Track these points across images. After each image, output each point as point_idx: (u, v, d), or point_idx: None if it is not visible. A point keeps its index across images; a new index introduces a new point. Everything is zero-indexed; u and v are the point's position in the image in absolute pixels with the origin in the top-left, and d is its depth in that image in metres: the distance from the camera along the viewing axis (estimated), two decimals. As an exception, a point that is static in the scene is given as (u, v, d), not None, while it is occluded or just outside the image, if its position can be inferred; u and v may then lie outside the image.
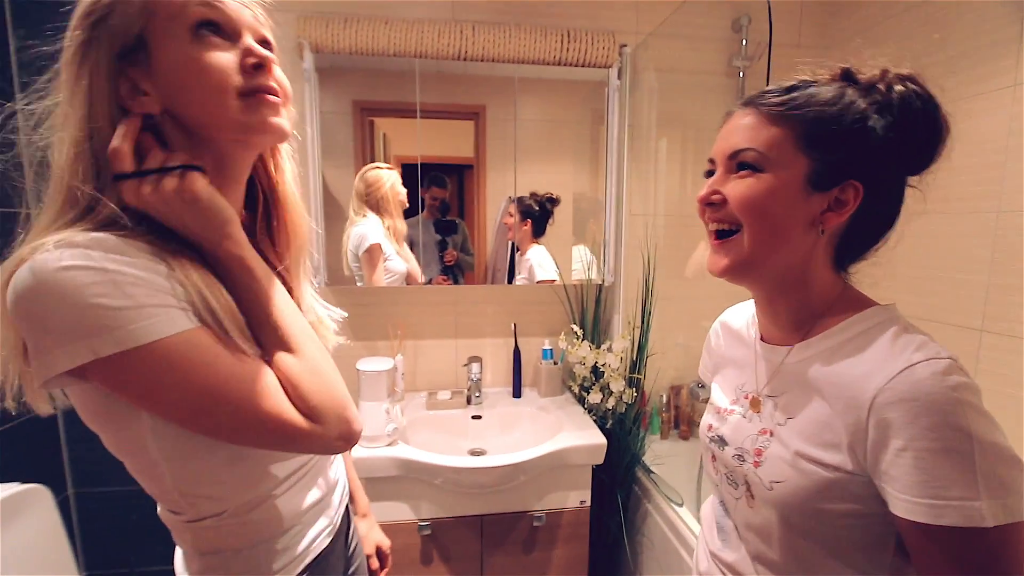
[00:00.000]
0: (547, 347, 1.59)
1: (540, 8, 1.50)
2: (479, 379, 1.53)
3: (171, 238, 0.49)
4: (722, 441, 0.62)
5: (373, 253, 1.47)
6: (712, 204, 0.55)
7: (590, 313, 1.63)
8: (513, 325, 1.61)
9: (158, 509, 0.57)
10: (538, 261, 1.59)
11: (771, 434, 0.55)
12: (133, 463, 0.52)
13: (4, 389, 0.48)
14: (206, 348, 0.47)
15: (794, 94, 0.52)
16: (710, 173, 0.57)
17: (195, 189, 0.49)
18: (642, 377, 1.54)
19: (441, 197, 1.54)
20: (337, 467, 0.70)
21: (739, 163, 0.53)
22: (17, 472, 1.14)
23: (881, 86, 0.50)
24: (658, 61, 1.54)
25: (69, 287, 0.41)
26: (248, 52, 0.50)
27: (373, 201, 1.47)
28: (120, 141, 0.47)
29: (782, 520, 0.53)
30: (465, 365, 1.56)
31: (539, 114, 1.56)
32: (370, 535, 0.84)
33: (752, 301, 0.68)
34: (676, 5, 1.46)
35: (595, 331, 1.62)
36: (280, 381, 0.51)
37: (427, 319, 1.61)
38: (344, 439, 0.53)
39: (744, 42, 1.56)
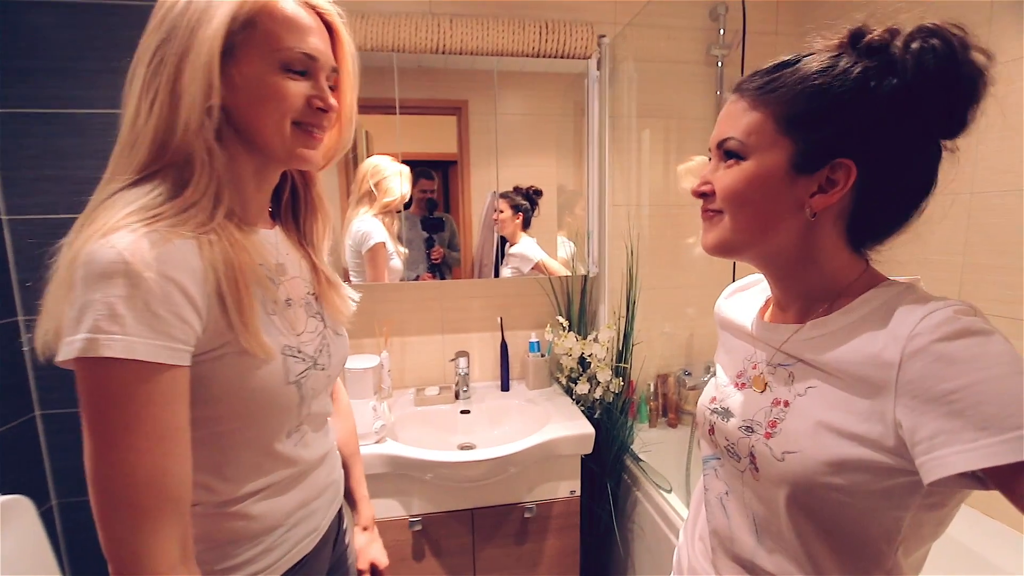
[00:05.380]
0: (534, 339, 1.60)
1: (517, 0, 1.50)
2: (467, 374, 1.53)
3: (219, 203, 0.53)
4: (727, 413, 0.60)
5: (377, 253, 1.45)
6: (704, 195, 0.54)
7: (576, 304, 1.64)
8: (499, 319, 1.62)
9: None
10: (530, 251, 1.60)
11: (787, 404, 0.53)
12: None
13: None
14: (155, 395, 0.45)
15: (776, 74, 0.49)
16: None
17: None
18: (628, 366, 1.55)
19: (430, 190, 1.53)
20: (331, 472, 0.70)
21: (725, 151, 0.51)
22: (-3, 483, 1.11)
23: (898, 42, 0.45)
24: (637, 51, 1.54)
25: (116, 280, 0.44)
26: (319, 96, 0.56)
27: (365, 193, 1.44)
28: None
29: (790, 496, 0.50)
30: (452, 360, 1.56)
31: (521, 107, 1.55)
32: (368, 549, 0.82)
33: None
34: (653, -6, 1.47)
35: (581, 322, 1.63)
36: None
37: (413, 315, 1.61)
38: None
39: (721, 31, 1.57)
